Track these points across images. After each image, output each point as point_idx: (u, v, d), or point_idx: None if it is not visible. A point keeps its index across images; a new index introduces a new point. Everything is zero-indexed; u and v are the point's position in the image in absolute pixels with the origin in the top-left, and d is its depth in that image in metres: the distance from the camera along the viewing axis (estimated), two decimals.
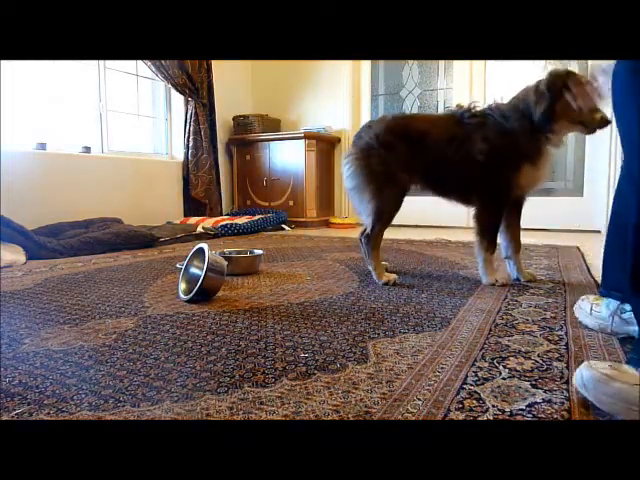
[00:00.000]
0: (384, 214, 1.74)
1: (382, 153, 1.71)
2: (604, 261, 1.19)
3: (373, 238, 1.76)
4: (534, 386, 0.85)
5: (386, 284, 1.71)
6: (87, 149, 3.40)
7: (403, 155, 1.71)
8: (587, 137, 3.59)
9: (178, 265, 1.92)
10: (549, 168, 1.64)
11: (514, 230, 1.74)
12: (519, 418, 0.74)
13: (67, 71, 3.36)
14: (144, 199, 3.77)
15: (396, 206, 1.76)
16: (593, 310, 1.17)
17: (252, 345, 1.08)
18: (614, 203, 1.12)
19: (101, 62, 3.55)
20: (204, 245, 1.57)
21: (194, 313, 1.35)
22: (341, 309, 1.38)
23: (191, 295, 1.46)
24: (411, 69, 4.23)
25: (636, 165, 0.85)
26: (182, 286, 1.56)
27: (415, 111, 4.20)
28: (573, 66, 3.39)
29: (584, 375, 0.77)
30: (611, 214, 1.13)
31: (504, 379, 0.88)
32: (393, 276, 1.75)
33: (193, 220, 3.69)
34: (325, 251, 2.61)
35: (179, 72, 3.81)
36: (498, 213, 1.68)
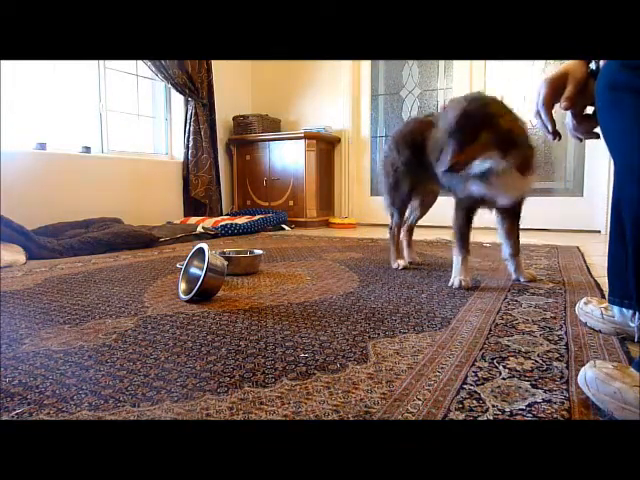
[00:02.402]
0: (395, 210, 2.04)
1: (395, 156, 1.96)
2: (609, 268, 1.13)
3: (391, 231, 2.08)
4: (534, 386, 0.85)
5: (396, 268, 2.01)
6: (87, 149, 3.40)
7: (408, 159, 1.91)
8: None
9: (178, 265, 1.92)
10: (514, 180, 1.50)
11: (511, 233, 1.73)
12: (519, 418, 0.74)
13: (67, 71, 3.36)
14: (144, 199, 3.77)
15: (403, 205, 2.03)
16: (605, 315, 1.15)
17: (252, 345, 1.08)
18: (613, 217, 1.08)
19: (101, 62, 3.55)
20: (204, 245, 1.57)
21: (194, 313, 1.35)
22: (341, 309, 1.38)
23: (191, 295, 1.46)
24: (411, 69, 4.23)
25: (633, 185, 0.83)
26: (182, 286, 1.56)
27: (415, 112, 4.20)
28: None
29: (587, 374, 0.77)
30: (611, 222, 1.11)
31: (504, 379, 0.88)
32: (402, 262, 2.04)
33: (193, 220, 3.69)
34: (325, 251, 2.62)
35: (179, 72, 3.81)
36: (460, 217, 1.68)
